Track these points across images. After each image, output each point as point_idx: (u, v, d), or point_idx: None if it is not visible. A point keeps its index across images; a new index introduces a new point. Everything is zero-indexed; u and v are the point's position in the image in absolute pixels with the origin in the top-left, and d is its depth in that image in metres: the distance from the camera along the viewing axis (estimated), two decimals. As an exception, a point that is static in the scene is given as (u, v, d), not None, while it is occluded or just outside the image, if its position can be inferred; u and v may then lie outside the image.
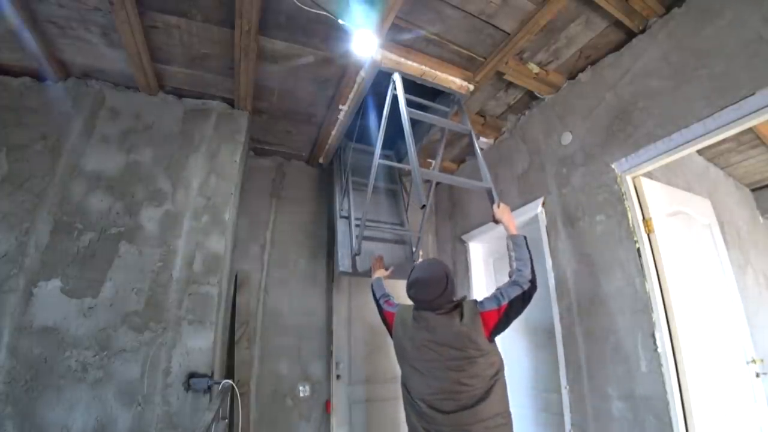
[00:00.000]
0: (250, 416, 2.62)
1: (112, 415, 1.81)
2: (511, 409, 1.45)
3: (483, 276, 3.22)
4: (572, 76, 2.46)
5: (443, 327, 1.45)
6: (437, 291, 1.48)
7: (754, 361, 2.14)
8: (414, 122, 3.24)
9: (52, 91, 2.26)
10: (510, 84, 2.54)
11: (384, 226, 3.10)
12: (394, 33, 2.07)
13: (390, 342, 3.35)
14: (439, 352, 1.43)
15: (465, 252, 3.32)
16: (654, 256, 1.92)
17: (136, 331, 1.96)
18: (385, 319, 1.77)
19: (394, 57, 2.18)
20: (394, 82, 2.24)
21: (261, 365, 2.80)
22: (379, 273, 2.23)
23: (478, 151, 2.28)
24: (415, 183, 1.91)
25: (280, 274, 3.08)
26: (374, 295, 1.94)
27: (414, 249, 3.07)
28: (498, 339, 1.49)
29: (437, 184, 3.99)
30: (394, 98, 2.26)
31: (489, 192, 2.09)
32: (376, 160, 2.44)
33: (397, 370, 3.45)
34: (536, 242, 2.59)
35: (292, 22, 2.00)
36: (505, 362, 1.49)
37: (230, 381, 1.98)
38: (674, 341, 1.79)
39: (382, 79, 2.34)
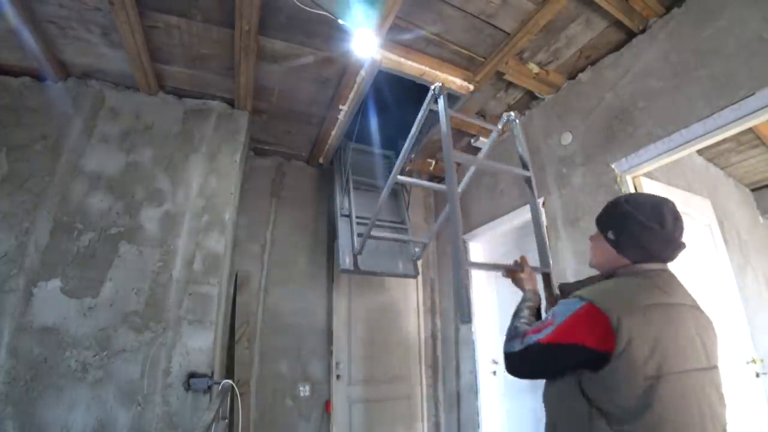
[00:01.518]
0: (250, 416, 2.62)
1: (112, 415, 1.81)
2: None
3: (484, 276, 3.22)
4: (572, 76, 2.46)
5: (701, 310, 0.92)
6: None
7: (754, 361, 2.14)
8: (412, 122, 3.26)
9: (52, 91, 2.26)
10: (510, 84, 2.54)
11: (385, 224, 3.10)
12: (394, 33, 2.07)
13: (390, 340, 3.37)
14: (708, 360, 0.85)
15: (465, 252, 3.32)
16: (654, 256, 1.92)
17: (136, 331, 1.96)
18: (573, 344, 0.83)
19: (394, 57, 2.18)
20: (435, 94, 1.68)
21: (261, 365, 2.80)
22: (530, 279, 1.29)
23: (540, 209, 1.59)
24: (459, 295, 1.23)
25: (280, 274, 3.08)
26: (516, 329, 1.00)
27: (417, 249, 3.07)
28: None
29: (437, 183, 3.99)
30: (426, 112, 1.89)
31: (543, 253, 1.51)
32: (398, 167, 2.12)
33: (399, 370, 3.47)
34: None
35: (292, 22, 2.00)
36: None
37: (230, 381, 1.98)
38: (674, 341, 1.78)
39: (382, 79, 2.34)
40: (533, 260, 1.38)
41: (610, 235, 0.99)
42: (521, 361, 0.93)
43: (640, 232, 0.93)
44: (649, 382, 0.77)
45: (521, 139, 1.78)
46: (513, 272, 1.33)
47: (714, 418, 0.80)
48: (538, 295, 1.21)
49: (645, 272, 0.92)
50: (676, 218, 0.94)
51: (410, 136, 1.97)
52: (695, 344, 0.84)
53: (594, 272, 1.09)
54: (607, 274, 0.97)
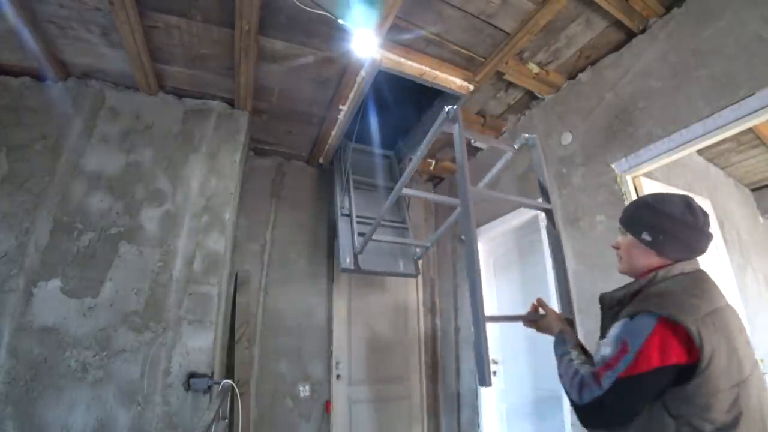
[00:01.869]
0: (250, 416, 2.62)
1: (112, 415, 1.81)
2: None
3: (483, 276, 3.21)
4: (572, 76, 2.46)
5: (732, 307, 0.94)
6: None
7: (754, 361, 2.14)
8: (413, 122, 3.28)
9: (52, 91, 2.26)
10: (510, 84, 2.54)
11: (385, 223, 3.10)
12: (394, 33, 2.07)
13: (390, 340, 3.37)
14: (752, 356, 0.87)
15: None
16: (654, 256, 1.92)
17: (136, 331, 1.96)
18: (662, 366, 0.77)
19: (394, 57, 2.18)
20: (447, 117, 1.50)
21: (261, 365, 2.80)
22: (557, 319, 1.21)
23: (562, 245, 1.47)
24: (480, 357, 1.08)
25: (280, 274, 3.08)
26: (578, 373, 0.89)
27: (417, 249, 3.07)
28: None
29: (437, 183, 4.00)
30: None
31: (566, 297, 1.39)
32: (404, 181, 2.01)
33: (399, 370, 3.48)
34: (536, 243, 2.60)
35: (292, 22, 2.00)
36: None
37: (230, 381, 1.99)
38: (674, 341, 1.78)
39: (382, 79, 2.34)
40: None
41: (646, 236, 0.95)
42: (607, 407, 0.79)
43: (679, 228, 0.93)
44: (735, 391, 0.76)
45: (542, 164, 1.53)
46: (534, 320, 1.22)
47: None
48: (573, 332, 1.12)
49: (687, 275, 0.91)
50: (704, 212, 0.96)
51: (419, 151, 1.85)
52: (745, 343, 0.85)
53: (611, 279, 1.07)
54: (647, 279, 0.92)
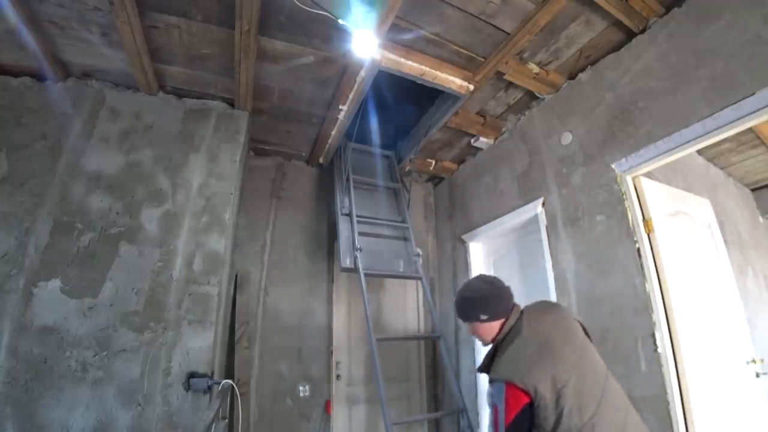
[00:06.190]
0: (250, 416, 2.62)
1: (112, 415, 1.81)
2: None
3: (482, 261, 3.22)
4: (572, 76, 2.46)
5: None
6: None
7: (754, 361, 2.14)
8: (413, 122, 3.28)
9: (52, 91, 2.26)
10: (510, 84, 2.54)
11: (384, 222, 3.10)
12: (394, 33, 2.07)
13: (391, 341, 3.34)
14: None
15: (465, 252, 3.32)
16: (654, 256, 1.92)
17: (136, 331, 1.96)
18: None
19: (394, 57, 2.18)
20: None
21: (261, 365, 2.80)
22: None
23: None
24: None
25: (280, 274, 3.08)
26: None
27: (418, 250, 3.05)
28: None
29: (437, 183, 4.00)
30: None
31: None
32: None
33: (399, 370, 3.46)
34: (536, 242, 2.60)
35: (292, 22, 2.00)
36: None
37: (230, 381, 1.99)
38: (674, 341, 1.79)
39: (382, 79, 2.34)
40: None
41: (483, 317, 1.33)
42: None
43: (495, 296, 1.35)
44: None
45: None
46: None
47: None
48: None
49: (514, 329, 1.29)
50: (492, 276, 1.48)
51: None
52: (570, 351, 1.24)
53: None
54: (497, 343, 1.31)
